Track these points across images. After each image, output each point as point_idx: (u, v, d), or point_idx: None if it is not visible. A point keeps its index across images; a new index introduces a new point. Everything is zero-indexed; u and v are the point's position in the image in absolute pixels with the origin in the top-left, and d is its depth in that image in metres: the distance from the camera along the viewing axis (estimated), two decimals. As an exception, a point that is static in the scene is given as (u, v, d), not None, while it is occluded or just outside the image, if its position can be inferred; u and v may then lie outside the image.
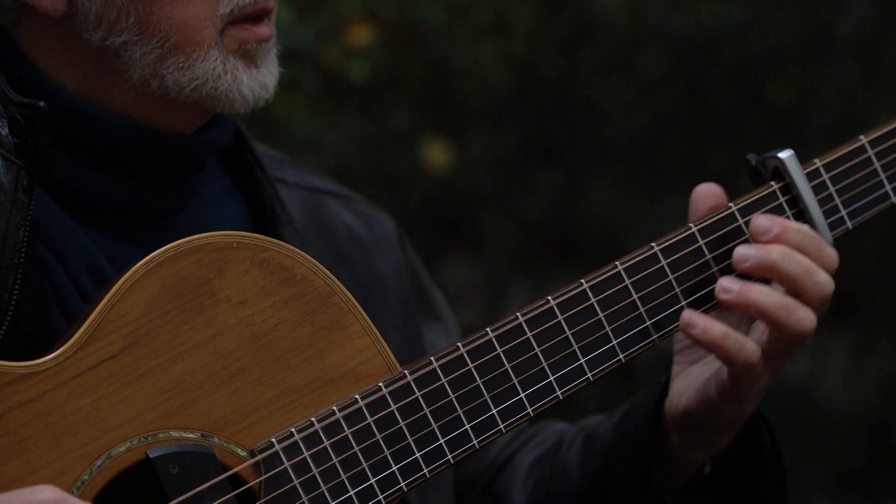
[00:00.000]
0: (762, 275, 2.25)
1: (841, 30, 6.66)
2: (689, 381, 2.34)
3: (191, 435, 2.07)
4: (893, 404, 7.00)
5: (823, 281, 2.24)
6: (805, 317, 2.22)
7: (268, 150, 2.53)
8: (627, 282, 2.26)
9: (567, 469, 2.48)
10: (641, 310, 2.26)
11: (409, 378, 2.15)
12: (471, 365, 2.18)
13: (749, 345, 2.21)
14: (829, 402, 6.98)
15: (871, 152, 2.41)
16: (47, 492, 1.95)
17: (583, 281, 2.25)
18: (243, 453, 2.09)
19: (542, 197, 6.70)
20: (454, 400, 2.17)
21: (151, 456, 2.04)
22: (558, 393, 2.22)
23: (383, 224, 2.62)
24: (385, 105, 6.21)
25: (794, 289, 2.23)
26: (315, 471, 2.10)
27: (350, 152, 6.24)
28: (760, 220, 2.27)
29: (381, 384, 2.14)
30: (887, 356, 7.15)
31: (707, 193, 2.36)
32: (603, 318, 2.25)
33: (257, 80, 2.26)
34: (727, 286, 2.23)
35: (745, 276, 2.27)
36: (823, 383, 7.07)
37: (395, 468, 2.14)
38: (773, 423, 2.43)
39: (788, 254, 2.23)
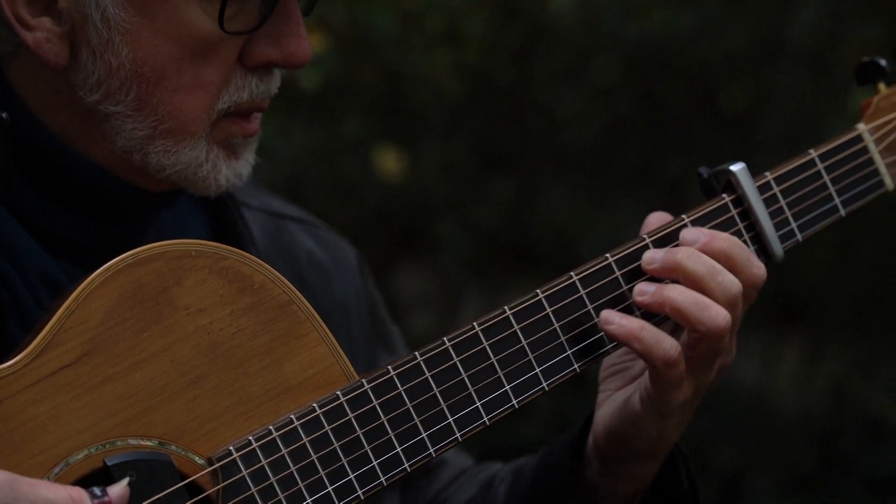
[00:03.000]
0: (669, 275, 2.26)
1: (792, 37, 6.71)
2: (614, 402, 2.35)
3: (149, 443, 2.07)
4: (844, 409, 7.05)
5: (728, 281, 2.24)
6: (718, 314, 2.22)
7: None
8: (582, 292, 2.28)
9: None
10: (596, 319, 2.28)
11: (367, 386, 2.16)
12: (427, 374, 2.19)
13: (668, 340, 2.22)
14: (780, 407, 7.02)
15: (820, 166, 2.44)
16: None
17: (538, 291, 2.26)
18: (201, 461, 2.09)
19: (496, 204, 6.72)
20: (411, 409, 2.17)
21: (109, 464, 2.04)
22: (514, 402, 2.24)
23: (345, 251, 2.63)
24: (338, 113, 6.21)
25: (699, 288, 2.24)
26: (273, 479, 2.11)
27: (303, 160, 6.23)
28: (688, 231, 2.29)
29: (338, 392, 2.15)
30: (838, 361, 7.20)
31: (657, 221, 2.37)
32: (558, 329, 2.26)
33: (234, 170, 2.27)
34: (643, 289, 2.25)
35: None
36: (774, 388, 7.11)
37: (352, 476, 2.14)
38: (692, 463, 2.44)
39: (693, 254, 2.25)
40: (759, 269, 2.29)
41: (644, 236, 2.32)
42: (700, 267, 2.24)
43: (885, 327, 7.14)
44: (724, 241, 2.27)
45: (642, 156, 6.78)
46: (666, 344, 2.21)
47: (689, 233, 2.29)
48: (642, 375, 2.30)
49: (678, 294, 2.22)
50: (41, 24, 2.18)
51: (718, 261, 2.26)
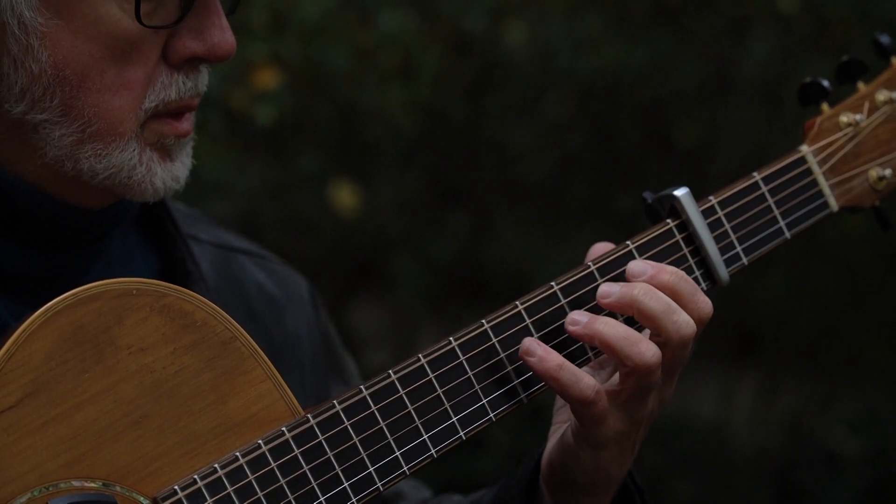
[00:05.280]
0: (624, 311, 2.25)
1: (742, 72, 6.76)
2: (557, 434, 2.35)
3: (93, 484, 2.05)
4: (800, 443, 7.07)
5: (684, 321, 2.23)
6: (647, 349, 2.20)
7: (182, 206, 2.52)
8: (528, 321, 2.27)
9: None
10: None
11: (313, 422, 2.15)
12: (374, 407, 2.18)
13: (586, 380, 2.20)
14: (737, 440, 7.03)
15: (764, 189, 2.45)
16: None
17: (483, 321, 2.26)
18: (146, 501, 2.07)
19: (451, 239, 6.72)
20: (357, 443, 2.17)
21: (53, 506, 2.03)
22: (461, 434, 2.23)
23: (297, 283, 2.62)
24: (292, 149, 6.21)
25: (654, 326, 2.23)
26: (219, 517, 2.09)
27: (258, 196, 6.22)
28: (634, 264, 2.28)
29: (284, 428, 2.14)
30: (794, 395, 7.22)
31: (601, 251, 2.36)
32: (504, 358, 2.26)
33: (170, 173, 2.26)
34: (576, 318, 2.23)
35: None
36: (730, 422, 7.12)
37: (299, 513, 2.13)
38: (648, 497, 2.43)
39: (650, 291, 2.23)
40: (705, 304, 2.27)
41: (589, 263, 2.32)
42: (656, 305, 2.23)
43: (840, 361, 7.17)
44: (671, 275, 2.25)
45: (595, 190, 6.80)
46: (583, 384, 2.20)
47: (635, 265, 2.27)
48: None
49: (608, 328, 2.21)
50: None
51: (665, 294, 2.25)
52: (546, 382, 2.23)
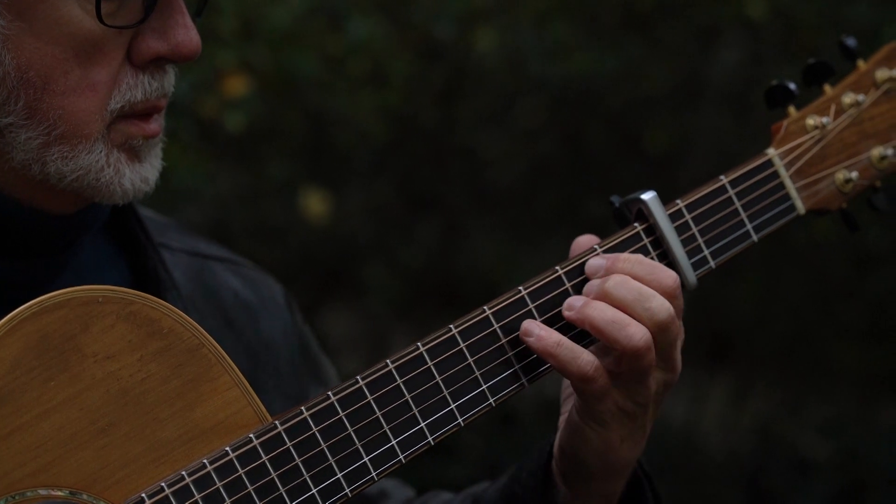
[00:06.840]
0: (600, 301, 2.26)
1: (713, 79, 6.78)
2: (564, 420, 2.35)
3: (59, 493, 2.04)
4: (771, 447, 7.09)
5: (657, 306, 2.25)
6: (635, 332, 2.22)
7: (153, 214, 2.51)
8: (496, 326, 2.28)
9: None
10: (510, 353, 2.28)
11: (280, 428, 2.14)
12: (341, 413, 2.18)
13: (584, 356, 2.23)
14: (708, 445, 7.05)
15: (731, 192, 2.45)
16: None
17: (451, 326, 2.26)
18: (113, 509, 2.07)
19: (422, 246, 6.73)
20: (325, 449, 2.16)
21: (18, 515, 2.02)
22: (429, 439, 2.23)
23: (271, 288, 2.61)
24: (262, 156, 6.21)
25: (629, 314, 2.25)
26: (186, 525, 2.09)
27: (228, 203, 6.22)
28: (592, 262, 2.31)
29: (251, 435, 2.13)
30: (764, 400, 7.25)
31: (586, 244, 2.37)
32: (472, 363, 2.26)
33: (139, 175, 2.24)
34: (571, 303, 2.27)
35: None
36: (702, 427, 7.14)
37: (267, 520, 2.13)
38: (655, 479, 2.44)
39: (621, 281, 2.26)
40: (666, 278, 2.28)
41: (556, 268, 2.32)
42: (626, 294, 2.25)
43: (810, 366, 7.20)
44: (625, 261, 2.28)
45: (566, 196, 6.81)
46: (581, 360, 2.22)
47: (592, 262, 2.30)
48: None
49: (597, 312, 2.24)
50: None
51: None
52: (546, 360, 2.25)
